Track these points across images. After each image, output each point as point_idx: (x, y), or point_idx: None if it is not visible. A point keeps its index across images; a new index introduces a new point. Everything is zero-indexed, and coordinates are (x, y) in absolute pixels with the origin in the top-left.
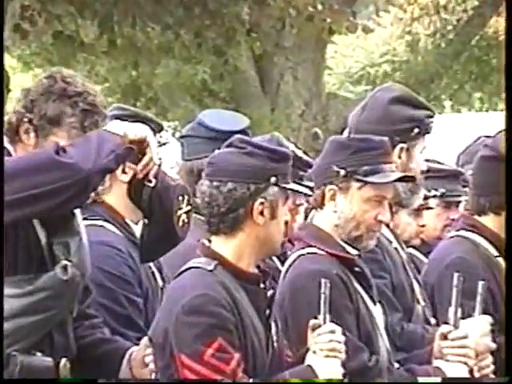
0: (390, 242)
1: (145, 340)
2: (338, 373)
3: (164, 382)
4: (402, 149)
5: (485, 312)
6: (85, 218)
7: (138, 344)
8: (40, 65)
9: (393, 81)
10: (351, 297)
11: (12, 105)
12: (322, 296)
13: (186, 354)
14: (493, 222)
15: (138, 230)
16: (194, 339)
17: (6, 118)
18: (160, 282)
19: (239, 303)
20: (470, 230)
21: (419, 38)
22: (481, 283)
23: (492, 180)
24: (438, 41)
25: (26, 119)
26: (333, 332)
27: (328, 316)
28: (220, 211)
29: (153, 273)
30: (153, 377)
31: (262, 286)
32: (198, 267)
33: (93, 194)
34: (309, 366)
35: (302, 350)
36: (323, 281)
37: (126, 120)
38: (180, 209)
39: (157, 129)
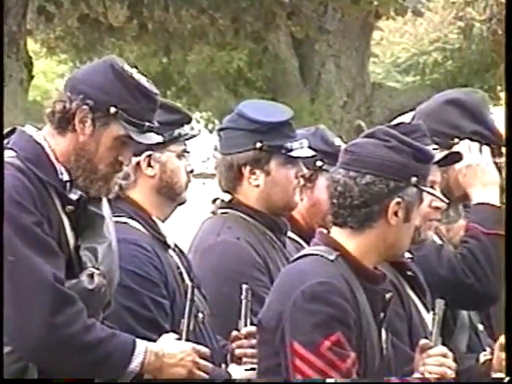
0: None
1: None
2: None
3: (160, 381)
4: None
5: None
6: None
7: None
8: (65, 50)
9: (444, 70)
10: (403, 303)
11: (36, 92)
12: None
13: (300, 341)
14: None
15: (164, 228)
16: (312, 328)
17: (52, 106)
18: (188, 283)
19: (359, 300)
20: None
21: (473, 23)
22: None
23: None
24: (494, 26)
25: (85, 106)
26: (445, 356)
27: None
28: (352, 204)
29: (180, 273)
30: None
31: (380, 287)
32: (318, 255)
33: (117, 189)
34: None
35: (405, 369)
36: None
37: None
38: None
39: (185, 121)
